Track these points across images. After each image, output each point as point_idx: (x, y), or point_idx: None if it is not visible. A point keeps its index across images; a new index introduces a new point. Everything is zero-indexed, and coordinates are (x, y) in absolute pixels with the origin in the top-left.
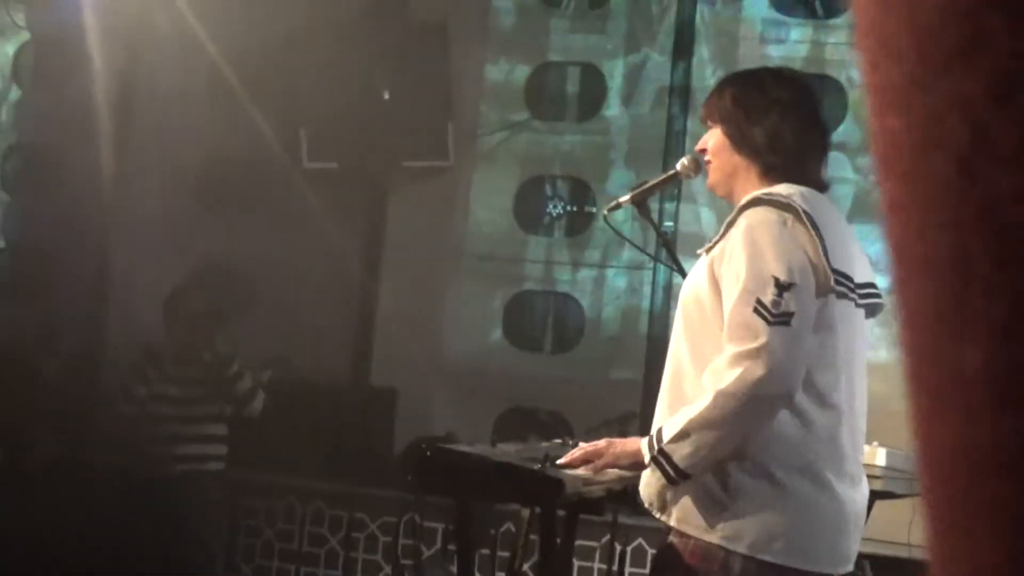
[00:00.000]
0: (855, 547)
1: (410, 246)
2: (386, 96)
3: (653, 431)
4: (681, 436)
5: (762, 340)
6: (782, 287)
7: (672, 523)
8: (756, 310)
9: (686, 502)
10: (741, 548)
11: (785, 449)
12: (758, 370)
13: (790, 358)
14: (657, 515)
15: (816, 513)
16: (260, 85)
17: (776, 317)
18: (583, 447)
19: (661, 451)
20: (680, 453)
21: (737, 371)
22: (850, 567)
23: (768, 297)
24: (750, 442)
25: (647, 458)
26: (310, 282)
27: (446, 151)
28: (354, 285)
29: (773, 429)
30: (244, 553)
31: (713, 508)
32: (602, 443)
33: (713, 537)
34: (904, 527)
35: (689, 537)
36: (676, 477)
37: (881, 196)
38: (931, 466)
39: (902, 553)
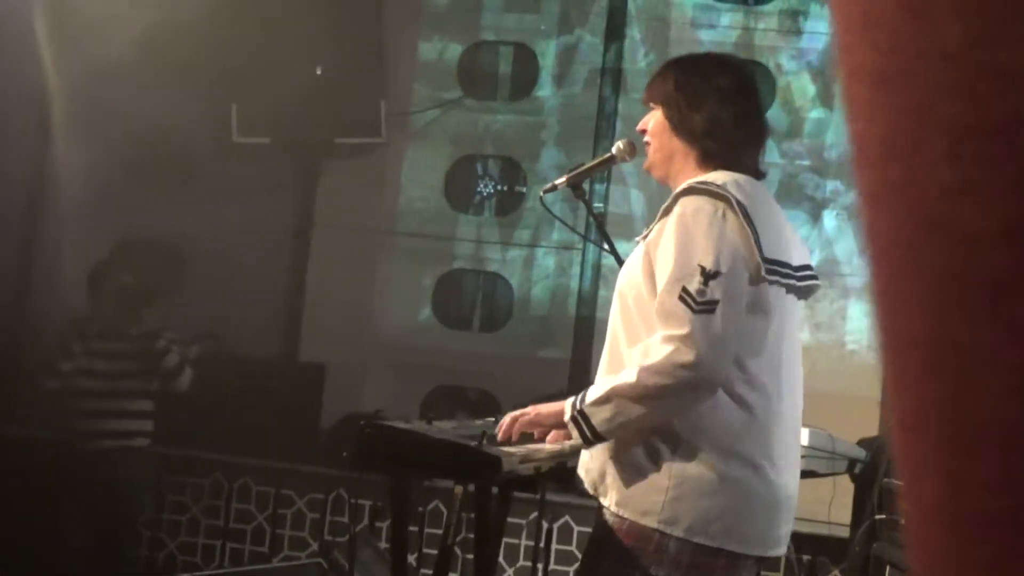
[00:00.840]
0: (787, 530)
1: (341, 223)
2: (319, 72)
3: (578, 394)
4: (602, 401)
5: (686, 328)
6: (708, 276)
7: (610, 506)
8: (682, 298)
9: (624, 486)
10: (678, 532)
11: (722, 435)
12: (684, 355)
13: (713, 346)
14: (597, 497)
15: (751, 497)
16: (192, 59)
17: (700, 305)
18: (510, 415)
19: (581, 412)
20: (599, 416)
21: (665, 351)
22: (782, 550)
23: (694, 286)
24: (685, 430)
25: (567, 415)
26: (240, 257)
27: (378, 128)
28: (284, 261)
29: (710, 415)
30: (169, 529)
31: (652, 493)
32: (527, 408)
33: (650, 521)
34: (825, 505)
35: (625, 519)
36: (591, 438)
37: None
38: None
39: (822, 531)
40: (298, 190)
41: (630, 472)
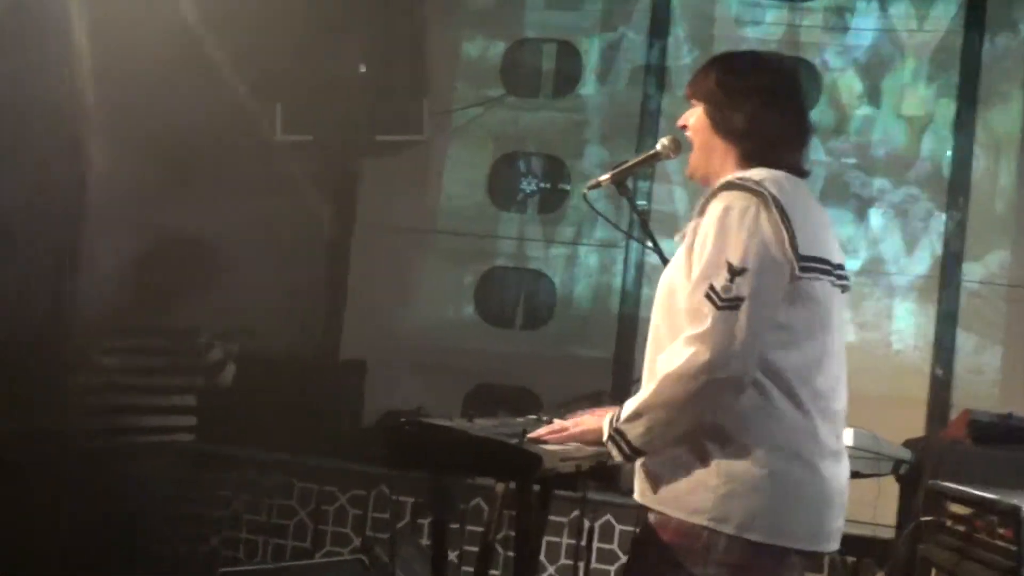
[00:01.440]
0: (840, 524)
1: (382, 220)
2: (362, 70)
3: (616, 411)
4: (635, 416)
5: (707, 324)
6: (734, 272)
7: (657, 505)
8: (707, 295)
9: (672, 487)
10: (729, 529)
11: (770, 430)
12: (703, 355)
13: (736, 342)
14: (642, 501)
15: (800, 491)
16: (236, 57)
17: (724, 302)
18: (552, 425)
19: (616, 430)
20: (634, 432)
21: (686, 354)
22: (836, 545)
23: (720, 282)
24: (731, 425)
25: (605, 435)
26: (281, 254)
27: (420, 126)
28: (326, 258)
29: (757, 410)
30: (212, 525)
31: (701, 491)
32: (569, 421)
33: (700, 519)
34: (870, 506)
35: (672, 518)
36: (631, 454)
37: None
38: None
39: (867, 532)
40: (340, 188)
41: (678, 471)
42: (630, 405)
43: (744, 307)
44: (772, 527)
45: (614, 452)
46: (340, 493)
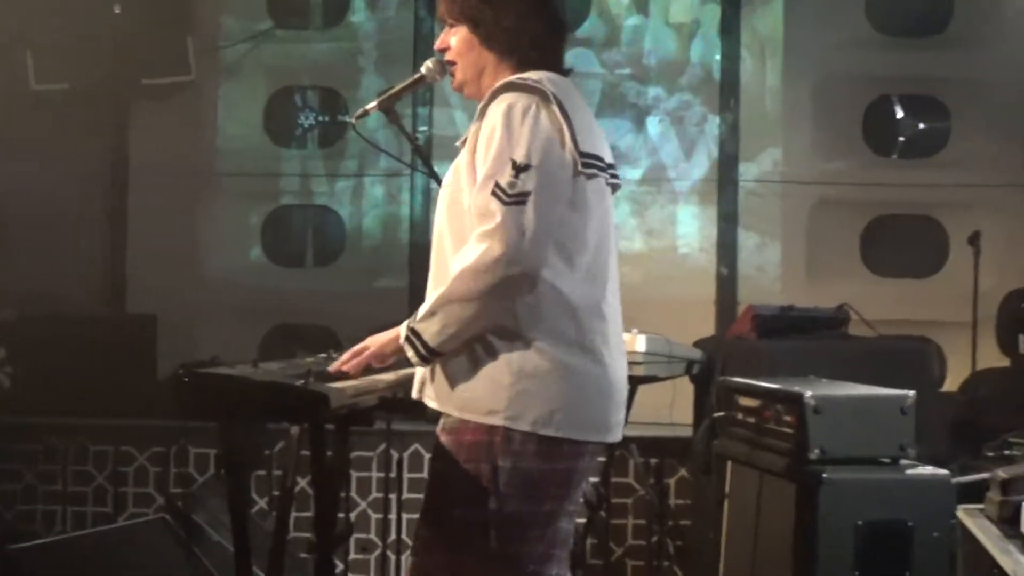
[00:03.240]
0: (621, 417)
1: (158, 167)
2: (117, 11)
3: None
4: (429, 314)
5: (497, 220)
6: (519, 168)
7: (455, 413)
8: (494, 192)
9: (466, 390)
10: (524, 426)
11: (557, 325)
12: (495, 249)
13: (524, 236)
14: (437, 407)
15: (590, 385)
16: None
17: (511, 197)
18: (348, 353)
19: (412, 330)
20: (430, 330)
21: (478, 250)
22: (619, 436)
23: (505, 179)
24: (521, 323)
25: (402, 339)
26: (53, 211)
27: (187, 65)
28: (102, 211)
29: (543, 306)
30: (4, 500)
31: (495, 390)
32: (366, 341)
33: (496, 419)
34: (666, 408)
35: (469, 422)
36: (426, 354)
37: None
38: None
39: (666, 432)
40: (108, 136)
41: (470, 373)
42: (424, 305)
43: (531, 201)
44: (565, 421)
45: (410, 353)
46: (138, 453)
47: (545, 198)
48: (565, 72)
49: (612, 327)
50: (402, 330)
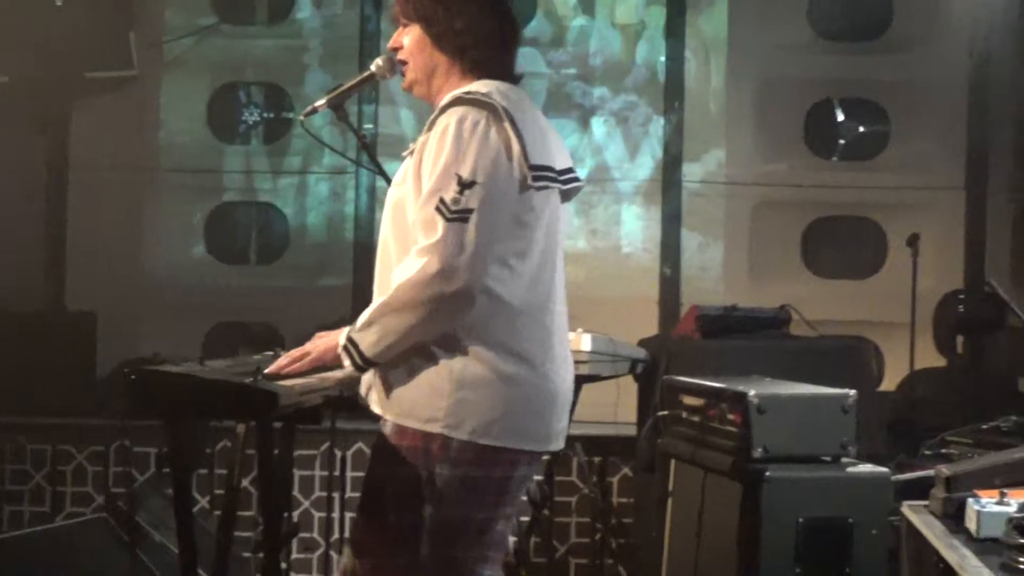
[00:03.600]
0: (564, 424)
1: (99, 162)
2: (59, 3)
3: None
4: (367, 325)
5: (438, 235)
6: (464, 184)
7: (395, 419)
8: (437, 207)
9: (407, 396)
10: (462, 435)
11: (498, 334)
12: (433, 265)
13: (464, 254)
14: (379, 412)
15: (530, 395)
16: None
17: (454, 213)
18: (287, 354)
19: (350, 339)
20: (366, 341)
21: (419, 263)
22: (561, 444)
23: (450, 195)
24: (462, 333)
25: (340, 346)
26: None
27: (130, 60)
28: (41, 206)
29: (485, 316)
30: None
31: (434, 399)
32: (307, 345)
33: (435, 427)
34: (611, 407)
35: (408, 428)
36: (362, 363)
37: None
38: None
39: (610, 431)
40: (49, 131)
41: (410, 379)
42: (363, 315)
43: (473, 218)
44: (504, 431)
45: (347, 362)
46: (77, 451)
47: (488, 215)
48: (516, 77)
49: (556, 337)
50: (341, 338)
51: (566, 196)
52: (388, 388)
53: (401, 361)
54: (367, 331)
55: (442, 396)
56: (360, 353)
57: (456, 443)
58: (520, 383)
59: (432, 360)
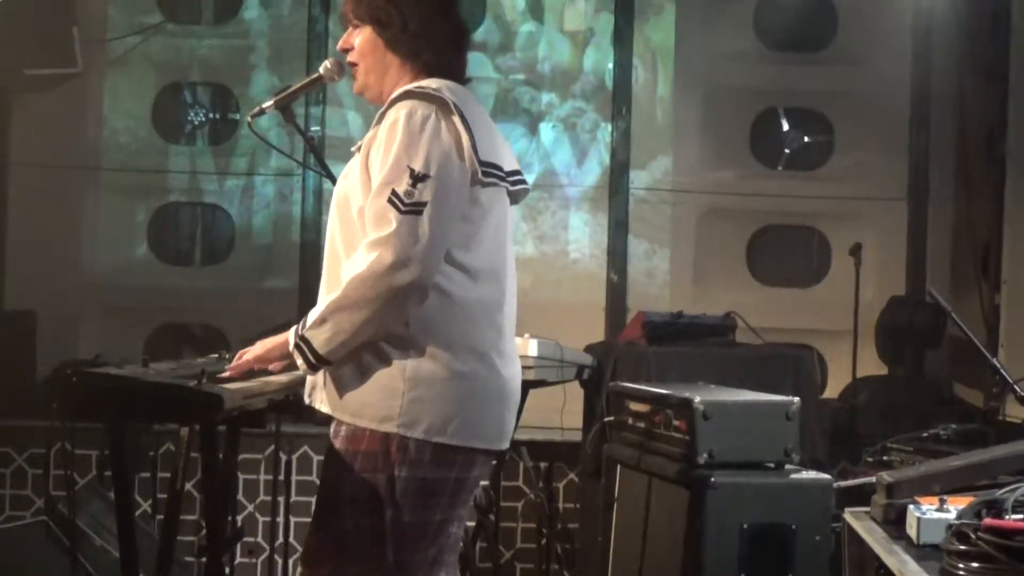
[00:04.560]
0: (513, 423)
1: (40, 160)
2: None
3: (302, 320)
4: (320, 322)
5: (392, 228)
6: (417, 178)
7: (349, 420)
8: (390, 200)
9: (359, 396)
10: (417, 434)
11: (451, 331)
12: (387, 257)
13: (419, 246)
14: (329, 412)
15: (483, 392)
16: None
17: (407, 207)
18: (238, 356)
19: (302, 337)
20: (319, 338)
21: (371, 257)
22: (507, 443)
23: (402, 187)
24: (416, 331)
25: (291, 344)
26: None
27: (73, 57)
28: None
29: (436, 312)
30: None
31: (388, 398)
32: (255, 345)
33: (390, 427)
34: (557, 413)
35: (364, 428)
36: (315, 362)
37: None
38: None
39: (556, 437)
40: None
41: (363, 379)
42: (314, 312)
43: (427, 212)
44: (459, 429)
45: (300, 361)
46: (16, 454)
47: (441, 209)
48: (465, 80)
49: (507, 333)
50: (291, 336)
51: (513, 199)
52: (340, 388)
53: (352, 360)
54: (319, 328)
55: (395, 395)
56: (313, 350)
57: (413, 443)
58: (473, 380)
59: (384, 359)
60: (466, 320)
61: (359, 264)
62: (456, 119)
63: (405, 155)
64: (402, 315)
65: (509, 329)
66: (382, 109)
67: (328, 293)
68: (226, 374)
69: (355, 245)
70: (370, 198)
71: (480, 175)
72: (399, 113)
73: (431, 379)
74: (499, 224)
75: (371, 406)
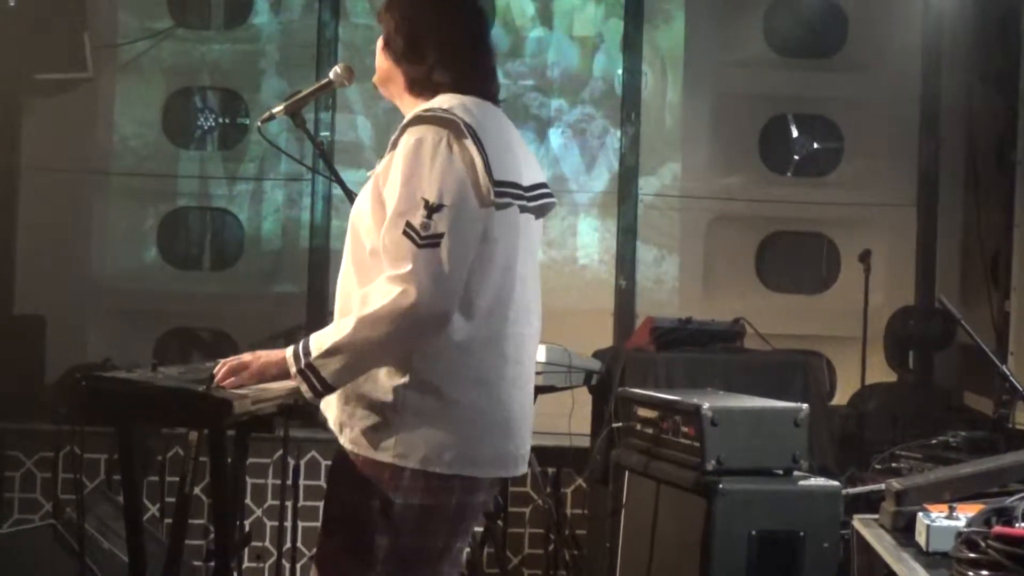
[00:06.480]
0: (526, 450)
1: (51, 165)
2: (12, 3)
3: (299, 343)
4: (332, 352)
5: (410, 264)
6: (431, 209)
7: (345, 443)
8: (406, 232)
9: (357, 424)
10: (412, 464)
11: (452, 361)
12: (410, 295)
13: (439, 280)
14: (338, 437)
15: (483, 420)
16: None
17: (424, 239)
18: (225, 361)
19: (309, 365)
20: (329, 368)
21: (391, 294)
22: (520, 470)
23: (417, 220)
24: (414, 359)
25: (293, 370)
26: None
27: (84, 62)
28: None
29: (436, 343)
30: None
31: (384, 429)
32: (247, 356)
33: (385, 456)
34: (565, 418)
35: (359, 455)
36: (322, 390)
37: None
38: None
39: (564, 442)
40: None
41: (361, 406)
42: (325, 340)
43: (444, 243)
44: (455, 458)
45: (304, 388)
46: (25, 457)
47: (458, 238)
48: (490, 97)
49: (513, 357)
50: (290, 359)
51: (539, 212)
52: (342, 414)
53: (350, 387)
54: (331, 359)
55: (391, 425)
56: (321, 379)
57: (408, 472)
58: (471, 409)
59: (382, 388)
60: (464, 349)
61: (379, 298)
62: (468, 142)
63: (418, 185)
64: (420, 348)
65: (517, 354)
66: (395, 135)
67: (341, 315)
68: (220, 382)
69: (364, 269)
70: (385, 227)
71: (493, 196)
72: (410, 140)
73: (429, 409)
74: (512, 247)
75: (367, 434)
